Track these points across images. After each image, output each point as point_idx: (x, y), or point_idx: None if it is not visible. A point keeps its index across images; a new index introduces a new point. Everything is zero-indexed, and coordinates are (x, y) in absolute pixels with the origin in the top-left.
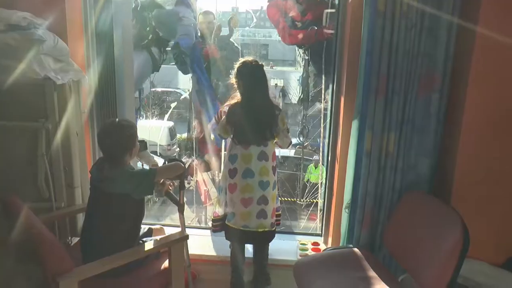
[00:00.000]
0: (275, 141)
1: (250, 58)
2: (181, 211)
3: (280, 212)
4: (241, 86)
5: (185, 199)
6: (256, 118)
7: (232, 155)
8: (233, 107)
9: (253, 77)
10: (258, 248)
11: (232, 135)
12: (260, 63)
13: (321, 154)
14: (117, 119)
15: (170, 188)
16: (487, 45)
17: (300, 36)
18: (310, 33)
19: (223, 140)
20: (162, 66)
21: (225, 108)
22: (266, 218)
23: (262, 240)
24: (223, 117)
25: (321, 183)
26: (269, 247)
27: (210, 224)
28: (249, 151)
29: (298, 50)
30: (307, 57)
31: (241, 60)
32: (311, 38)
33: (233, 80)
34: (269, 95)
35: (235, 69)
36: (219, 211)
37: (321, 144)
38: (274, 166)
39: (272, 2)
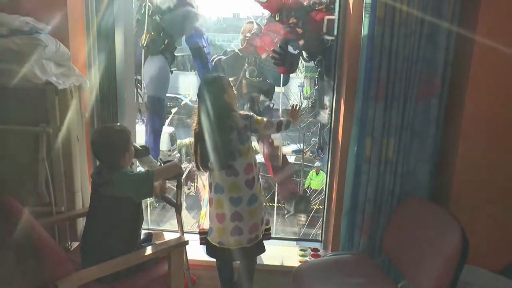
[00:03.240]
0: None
1: (214, 75)
2: (178, 211)
3: (269, 226)
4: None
5: (184, 204)
6: (210, 142)
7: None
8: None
9: (204, 95)
10: (241, 264)
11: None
12: (219, 76)
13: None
14: (107, 124)
15: (165, 189)
16: (485, 51)
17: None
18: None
19: None
20: None
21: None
22: (241, 235)
23: (241, 257)
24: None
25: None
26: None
27: None
28: None
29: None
30: (320, 69)
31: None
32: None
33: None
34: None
35: None
36: (204, 224)
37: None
38: (250, 179)
39: (265, 30)
